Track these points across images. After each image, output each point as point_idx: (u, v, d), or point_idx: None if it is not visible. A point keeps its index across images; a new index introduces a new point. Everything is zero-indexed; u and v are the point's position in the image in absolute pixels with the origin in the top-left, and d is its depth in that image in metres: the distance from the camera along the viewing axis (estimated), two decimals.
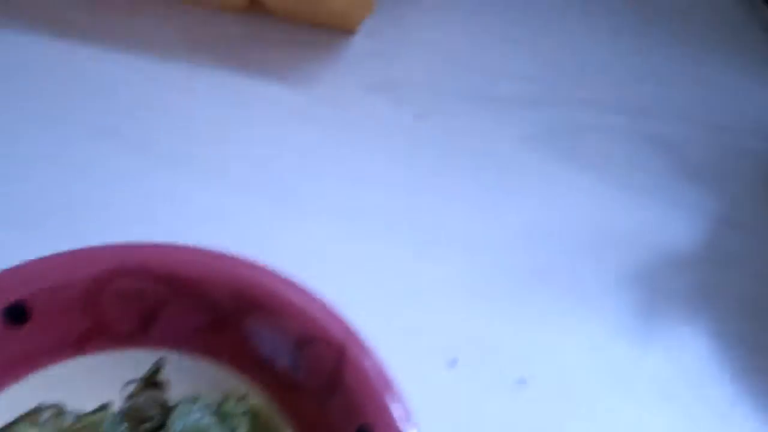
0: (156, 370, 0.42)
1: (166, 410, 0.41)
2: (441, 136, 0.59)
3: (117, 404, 0.41)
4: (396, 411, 0.39)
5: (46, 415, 0.40)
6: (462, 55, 0.63)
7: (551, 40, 0.63)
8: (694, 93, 0.63)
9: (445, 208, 0.55)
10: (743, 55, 0.65)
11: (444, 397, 0.47)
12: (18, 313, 0.41)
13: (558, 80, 0.62)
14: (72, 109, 0.57)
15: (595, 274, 0.53)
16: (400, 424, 0.39)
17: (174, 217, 0.53)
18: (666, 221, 0.56)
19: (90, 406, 0.41)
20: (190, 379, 0.42)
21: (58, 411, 0.40)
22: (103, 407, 0.41)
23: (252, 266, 0.43)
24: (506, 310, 0.51)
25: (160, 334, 0.42)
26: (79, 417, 0.40)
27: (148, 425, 0.41)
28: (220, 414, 0.41)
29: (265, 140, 0.57)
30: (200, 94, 0.60)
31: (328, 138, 0.58)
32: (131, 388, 0.42)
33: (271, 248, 0.52)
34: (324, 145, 0.57)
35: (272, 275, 0.43)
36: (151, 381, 0.41)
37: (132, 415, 0.41)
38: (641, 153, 0.59)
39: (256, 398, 0.42)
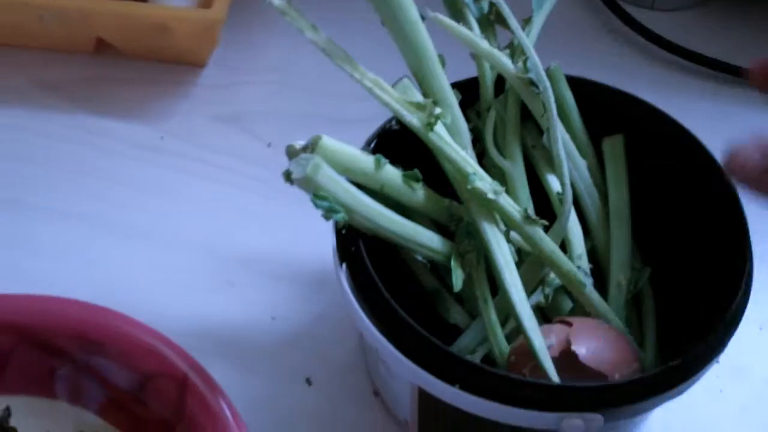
0: (5, 416, 0.43)
1: None
2: None
3: None
4: None
5: None
6: (311, 79, 0.66)
7: (396, 63, 0.66)
8: None
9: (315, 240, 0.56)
10: (589, 57, 0.69)
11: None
12: None
13: None
14: None
15: None
16: None
17: (23, 261, 0.55)
18: None
19: None
20: (41, 420, 0.44)
21: None
22: None
23: (95, 309, 0.45)
24: None
25: (9, 381, 0.44)
26: None
27: None
28: None
29: (118, 177, 0.59)
30: (54, 135, 0.61)
31: (182, 171, 0.60)
32: None
33: (122, 286, 0.54)
34: (177, 180, 0.59)
35: (114, 316, 0.45)
36: (2, 427, 0.43)
37: None
38: None
39: None
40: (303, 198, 0.56)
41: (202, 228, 0.57)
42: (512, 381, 0.40)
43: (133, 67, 0.65)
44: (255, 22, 0.68)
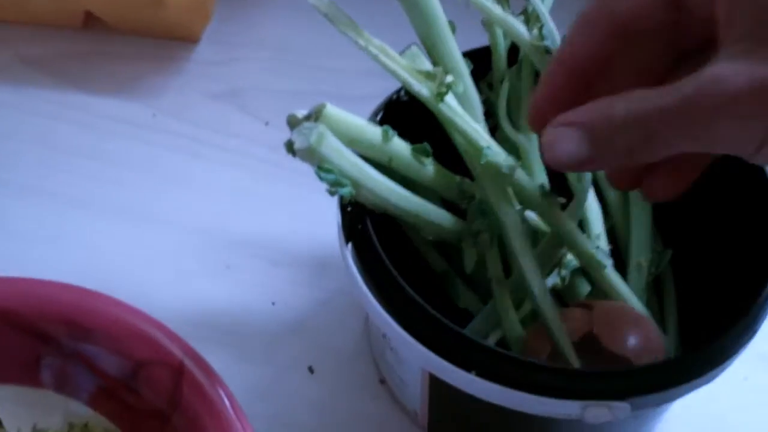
0: None
1: None
2: None
3: None
4: (235, 425, 0.39)
5: None
6: (310, 55, 0.63)
7: (399, 37, 0.63)
8: None
9: (316, 222, 0.54)
10: None
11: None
12: None
13: None
14: None
15: None
16: None
17: (5, 244, 0.52)
18: None
19: None
20: (29, 410, 0.41)
21: None
22: None
23: (85, 293, 0.42)
24: None
25: None
26: None
27: None
28: None
29: (110, 156, 0.56)
30: (42, 113, 0.58)
31: (175, 151, 0.57)
32: None
33: (115, 269, 0.51)
34: (171, 159, 0.56)
35: (106, 300, 0.42)
36: None
37: None
38: None
39: (99, 423, 0.41)
40: (303, 179, 0.54)
41: (198, 209, 0.54)
42: (534, 367, 0.37)
43: (123, 42, 0.62)
44: None
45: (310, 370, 0.48)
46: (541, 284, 0.41)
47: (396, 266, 0.40)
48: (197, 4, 0.60)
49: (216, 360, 0.42)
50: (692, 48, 0.35)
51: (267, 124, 0.59)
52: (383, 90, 0.61)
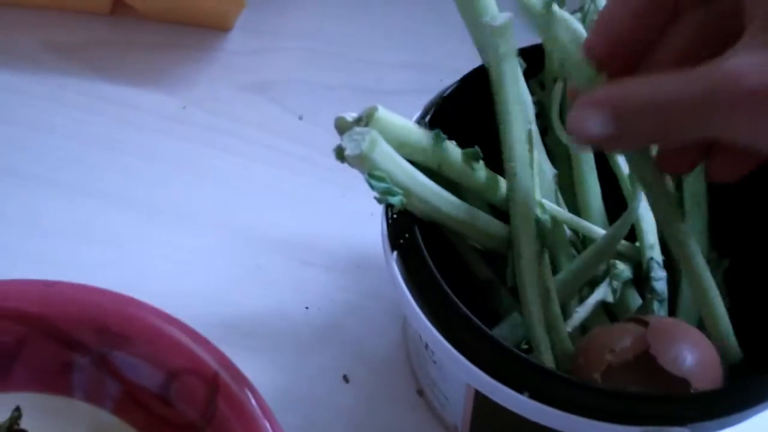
0: (15, 417, 0.39)
1: None
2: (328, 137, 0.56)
3: None
4: None
5: None
6: (345, 46, 0.61)
7: (437, 28, 0.61)
8: None
9: (350, 221, 0.52)
10: None
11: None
12: None
13: (446, 67, 0.60)
14: None
15: None
16: None
17: (30, 241, 0.50)
18: None
19: None
20: (56, 420, 0.40)
21: None
22: None
23: (116, 298, 0.40)
24: None
25: (19, 376, 0.40)
26: None
27: None
28: None
29: (137, 150, 0.54)
30: (68, 103, 0.56)
31: (205, 145, 0.55)
32: None
33: (144, 269, 0.50)
34: (201, 153, 0.55)
35: (139, 306, 0.40)
36: (12, 429, 0.38)
37: None
38: None
39: None
40: (337, 175, 0.52)
41: (228, 206, 0.52)
42: (590, 389, 0.35)
43: (152, 30, 0.60)
44: None
45: (345, 379, 0.46)
46: (537, 309, 0.40)
47: (440, 273, 0.38)
48: None
49: (246, 366, 0.40)
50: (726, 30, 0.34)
51: (301, 118, 0.57)
52: (420, 83, 0.59)
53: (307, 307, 0.49)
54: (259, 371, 0.45)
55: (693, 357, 0.38)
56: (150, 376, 0.39)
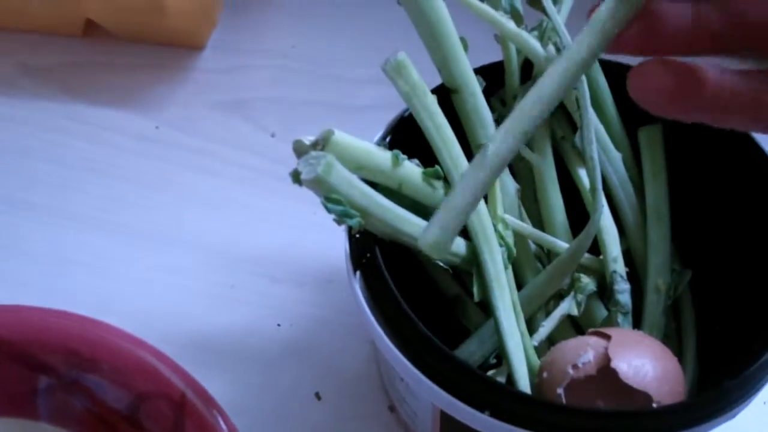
0: None
1: None
2: None
3: None
4: None
5: None
6: (317, 63, 0.61)
7: (405, 45, 0.61)
8: None
9: (322, 237, 0.52)
10: None
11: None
12: None
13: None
14: None
15: None
16: None
17: (7, 262, 0.50)
18: None
19: None
20: None
21: None
22: None
23: (84, 321, 0.41)
24: None
25: None
26: None
27: None
28: None
29: (112, 171, 0.55)
30: (42, 126, 0.57)
31: (178, 164, 0.55)
32: None
33: (118, 290, 0.50)
34: (174, 173, 0.55)
35: (107, 330, 0.41)
36: None
37: None
38: None
39: None
40: (309, 192, 0.52)
41: (201, 225, 0.53)
42: (551, 407, 0.35)
43: (125, 50, 0.60)
44: (256, 2, 0.63)
45: (317, 396, 0.46)
46: (506, 324, 0.40)
47: (406, 290, 0.39)
48: (201, 11, 0.58)
49: (218, 385, 0.41)
50: None
51: (273, 135, 0.57)
52: (390, 99, 0.59)
53: (279, 324, 0.49)
54: (231, 390, 0.46)
55: (654, 371, 0.39)
56: (118, 398, 0.40)
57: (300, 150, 0.36)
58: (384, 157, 0.38)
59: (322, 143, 0.36)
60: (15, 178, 0.54)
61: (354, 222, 0.36)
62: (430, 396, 0.37)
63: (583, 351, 0.39)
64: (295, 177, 0.35)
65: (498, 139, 0.35)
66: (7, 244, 0.51)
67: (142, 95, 0.58)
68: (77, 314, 0.41)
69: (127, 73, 0.59)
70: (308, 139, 0.36)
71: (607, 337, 0.40)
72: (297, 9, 0.63)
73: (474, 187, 0.35)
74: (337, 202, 0.35)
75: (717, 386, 0.37)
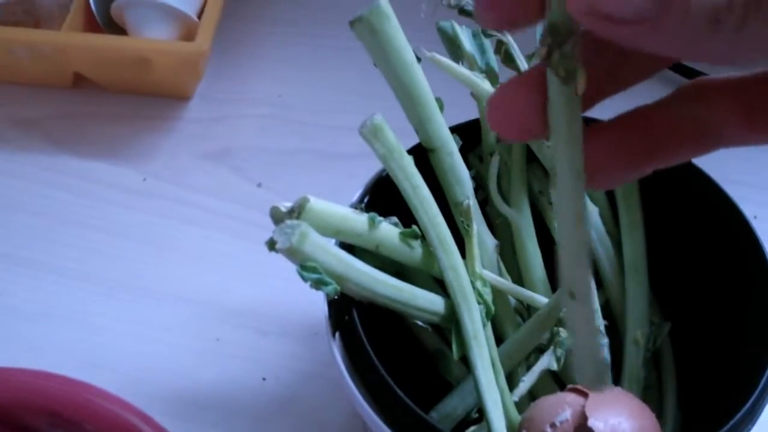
0: None
1: None
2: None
3: None
4: None
5: None
6: (302, 112, 0.62)
7: (389, 90, 0.62)
8: None
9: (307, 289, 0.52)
10: None
11: None
12: None
13: (400, 129, 0.61)
14: None
15: None
16: None
17: None
18: None
19: None
20: None
21: None
22: None
23: (67, 382, 0.41)
24: None
25: None
26: None
27: None
28: None
29: (98, 224, 0.55)
30: (30, 178, 0.57)
31: (165, 217, 0.56)
32: None
33: (103, 345, 0.50)
34: (161, 225, 0.55)
35: (90, 391, 0.41)
36: None
37: None
38: None
39: None
40: None
41: (187, 277, 0.53)
42: None
43: (114, 101, 0.61)
44: (242, 52, 0.64)
45: None
46: (485, 382, 0.40)
47: (388, 345, 0.39)
48: (187, 65, 0.59)
49: None
50: None
51: (259, 185, 0.58)
52: None
53: (264, 378, 0.50)
54: None
55: (631, 429, 0.39)
56: None
57: (276, 217, 0.37)
58: (360, 220, 0.39)
59: (298, 210, 0.37)
60: (8, 231, 0.55)
61: (330, 289, 0.36)
62: None
63: (561, 409, 0.40)
64: (271, 245, 0.36)
65: None
66: None
67: (130, 146, 0.59)
68: (61, 375, 0.42)
69: (115, 124, 0.60)
70: (285, 206, 0.37)
71: (585, 395, 0.40)
72: (283, 58, 0.64)
73: None
74: (313, 269, 0.35)
75: None
